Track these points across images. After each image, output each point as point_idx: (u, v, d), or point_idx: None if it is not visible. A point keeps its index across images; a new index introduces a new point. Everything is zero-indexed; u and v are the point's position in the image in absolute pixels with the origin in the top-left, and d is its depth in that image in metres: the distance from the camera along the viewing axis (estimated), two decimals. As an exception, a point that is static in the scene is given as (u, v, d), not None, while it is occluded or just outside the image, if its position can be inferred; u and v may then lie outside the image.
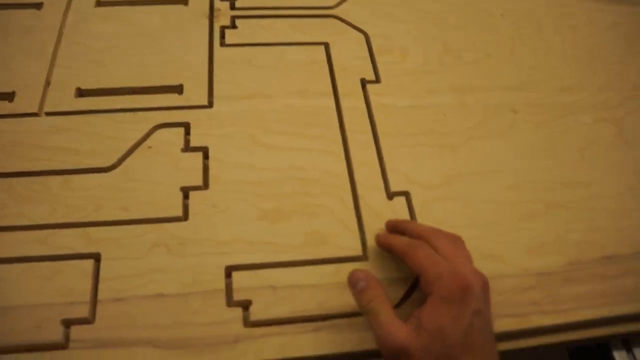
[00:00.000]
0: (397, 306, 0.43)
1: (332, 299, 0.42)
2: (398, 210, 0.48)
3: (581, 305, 0.45)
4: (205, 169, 0.48)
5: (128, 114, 0.50)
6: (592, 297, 0.45)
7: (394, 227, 0.45)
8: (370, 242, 0.45)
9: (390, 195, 0.48)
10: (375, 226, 0.46)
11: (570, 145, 0.54)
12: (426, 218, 0.47)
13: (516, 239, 0.47)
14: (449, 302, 0.36)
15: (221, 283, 0.43)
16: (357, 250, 0.45)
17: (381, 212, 0.47)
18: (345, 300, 0.42)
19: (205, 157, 0.49)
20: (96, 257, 0.43)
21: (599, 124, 0.56)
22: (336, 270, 0.44)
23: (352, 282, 0.40)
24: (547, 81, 0.59)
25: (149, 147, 0.49)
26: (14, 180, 0.46)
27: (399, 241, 0.42)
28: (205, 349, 0.40)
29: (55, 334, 0.39)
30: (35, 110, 0.50)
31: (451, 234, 0.42)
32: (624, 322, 0.46)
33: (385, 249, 0.44)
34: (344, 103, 0.53)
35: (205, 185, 0.47)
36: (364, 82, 0.55)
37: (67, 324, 0.40)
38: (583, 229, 0.49)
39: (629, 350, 0.48)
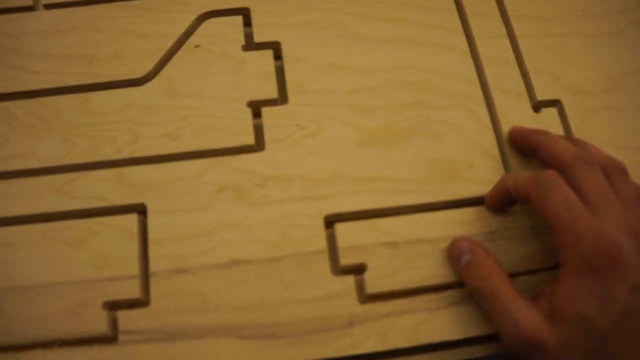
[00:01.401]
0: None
1: (478, 258, 0.30)
2: (549, 126, 0.34)
3: None
4: (280, 74, 0.34)
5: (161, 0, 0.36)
6: None
7: (521, 142, 0.32)
8: (520, 173, 0.32)
9: (537, 106, 0.35)
10: (523, 150, 0.33)
11: None
12: (586, 136, 0.34)
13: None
14: (591, 277, 0.26)
15: (321, 240, 0.30)
16: (501, 186, 0.32)
17: (528, 130, 0.34)
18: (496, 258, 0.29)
19: (277, 56, 0.34)
20: (140, 209, 0.30)
21: None
22: (476, 216, 0.31)
23: (454, 255, 0.30)
24: None
25: (196, 47, 0.34)
26: (10, 104, 0.33)
27: (518, 180, 0.29)
28: (309, 337, 0.28)
29: (97, 322, 0.28)
30: (29, 2, 0.36)
31: (610, 160, 0.29)
32: None
33: (500, 201, 0.31)
34: (457, -25, 0.38)
35: (283, 97, 0.33)
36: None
37: (113, 307, 0.28)
38: None
39: None
